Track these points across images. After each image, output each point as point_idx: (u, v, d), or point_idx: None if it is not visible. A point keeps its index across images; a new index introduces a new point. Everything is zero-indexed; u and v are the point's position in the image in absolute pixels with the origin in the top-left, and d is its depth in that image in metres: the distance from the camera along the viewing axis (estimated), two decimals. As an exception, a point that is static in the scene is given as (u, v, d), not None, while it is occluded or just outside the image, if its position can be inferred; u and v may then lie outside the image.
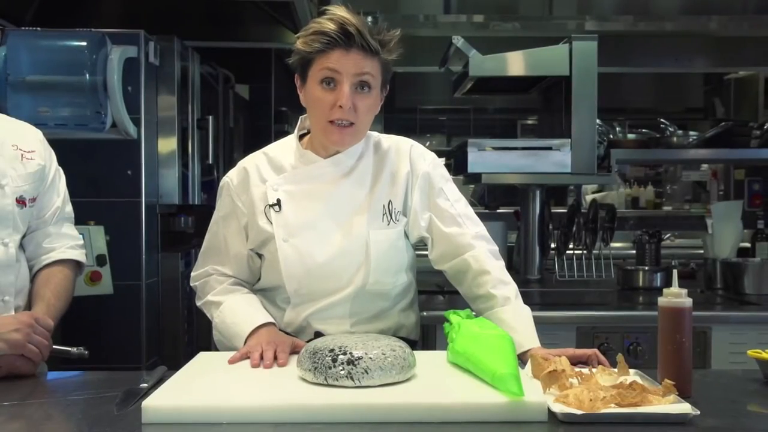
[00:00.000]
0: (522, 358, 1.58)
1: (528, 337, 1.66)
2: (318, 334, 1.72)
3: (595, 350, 1.61)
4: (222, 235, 1.83)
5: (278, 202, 1.74)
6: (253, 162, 1.82)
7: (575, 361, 1.54)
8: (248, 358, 1.57)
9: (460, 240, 1.79)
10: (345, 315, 1.77)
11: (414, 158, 1.81)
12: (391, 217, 1.77)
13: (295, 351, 1.60)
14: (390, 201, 1.77)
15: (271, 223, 1.74)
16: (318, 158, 1.77)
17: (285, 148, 1.82)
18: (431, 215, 1.80)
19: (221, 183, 1.85)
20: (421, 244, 1.89)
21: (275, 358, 1.55)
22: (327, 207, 1.74)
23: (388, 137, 1.86)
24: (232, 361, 1.57)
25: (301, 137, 1.82)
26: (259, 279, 1.85)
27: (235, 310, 1.77)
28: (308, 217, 1.74)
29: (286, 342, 1.63)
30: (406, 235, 1.82)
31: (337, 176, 1.76)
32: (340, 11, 1.62)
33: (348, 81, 1.62)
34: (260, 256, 1.82)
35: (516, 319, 1.70)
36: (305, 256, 1.73)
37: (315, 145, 1.77)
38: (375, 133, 1.84)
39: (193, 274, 1.89)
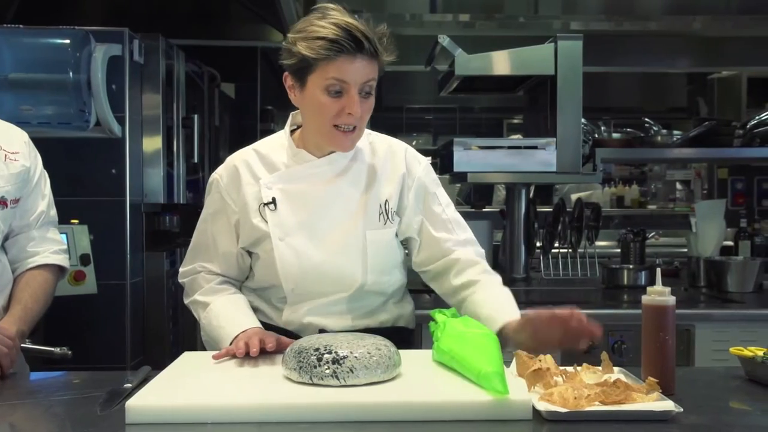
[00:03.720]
0: (502, 334, 1.59)
1: (506, 312, 1.67)
2: (322, 332, 1.71)
3: (573, 310, 1.55)
4: (210, 232, 1.81)
5: (273, 201, 1.73)
6: (243, 159, 1.79)
7: (558, 324, 1.53)
8: (234, 356, 1.56)
9: (449, 245, 1.80)
10: (344, 311, 1.77)
11: (409, 161, 1.82)
12: (388, 217, 1.76)
13: (279, 350, 1.59)
14: (386, 201, 1.77)
15: (266, 221, 1.73)
16: (312, 157, 1.76)
17: (276, 146, 1.80)
18: (423, 219, 1.81)
19: (210, 179, 1.83)
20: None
21: (270, 346, 1.55)
22: (323, 206, 1.74)
23: (380, 137, 1.85)
24: (217, 357, 1.57)
25: (291, 133, 1.81)
26: (248, 277, 1.84)
27: (220, 314, 1.75)
28: (304, 217, 1.73)
29: (270, 334, 1.62)
30: (397, 235, 1.83)
31: (332, 175, 1.75)
32: (342, 15, 1.60)
33: (356, 88, 1.61)
34: (251, 255, 1.81)
35: (494, 294, 1.73)
36: (302, 255, 1.72)
37: (308, 144, 1.76)
38: (366, 131, 1.82)
39: (181, 270, 1.87)
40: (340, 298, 1.75)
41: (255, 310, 1.83)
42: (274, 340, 1.57)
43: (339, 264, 1.73)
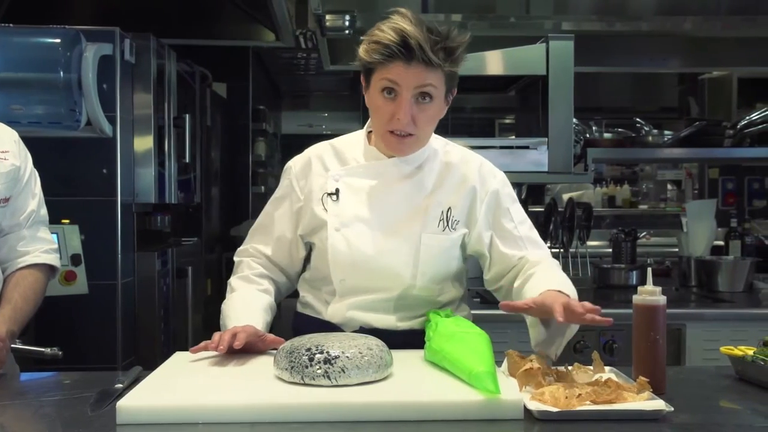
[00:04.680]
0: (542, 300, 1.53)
1: (556, 285, 1.60)
2: (362, 330, 1.71)
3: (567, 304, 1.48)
4: (272, 214, 1.84)
5: (336, 192, 1.75)
6: (318, 151, 1.82)
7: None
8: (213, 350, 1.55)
9: (515, 260, 1.77)
10: (390, 310, 1.76)
11: (484, 174, 1.79)
12: (447, 225, 1.75)
13: (265, 347, 1.60)
14: (450, 208, 1.75)
15: (327, 211, 1.75)
16: (383, 156, 1.76)
17: (352, 142, 1.82)
18: (492, 234, 1.78)
19: (285, 166, 1.86)
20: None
21: (237, 344, 1.54)
22: (384, 204, 1.74)
23: (458, 147, 1.85)
24: (194, 351, 1.57)
25: (369, 133, 1.82)
26: (306, 268, 1.85)
27: (233, 306, 1.76)
28: (364, 211, 1.73)
29: (248, 330, 1.59)
30: (464, 248, 1.80)
31: (399, 176, 1.75)
32: (403, 22, 1.60)
33: (408, 93, 1.61)
34: (311, 248, 1.82)
35: (539, 278, 1.66)
36: (354, 247, 1.72)
37: (380, 145, 1.76)
38: (444, 140, 1.83)
39: (239, 249, 1.90)
40: (387, 297, 1.74)
41: (305, 305, 1.85)
42: (244, 338, 1.55)
43: (389, 261, 1.72)
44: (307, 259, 1.86)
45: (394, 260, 1.72)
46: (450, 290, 1.81)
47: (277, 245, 1.83)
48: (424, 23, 1.60)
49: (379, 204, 1.74)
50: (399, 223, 1.73)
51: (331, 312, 1.77)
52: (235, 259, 1.89)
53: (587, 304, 1.48)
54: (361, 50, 1.64)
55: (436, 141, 1.81)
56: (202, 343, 1.58)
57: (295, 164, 1.84)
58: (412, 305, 1.76)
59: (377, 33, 1.62)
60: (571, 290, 1.63)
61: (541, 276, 1.69)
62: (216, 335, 1.57)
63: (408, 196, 1.75)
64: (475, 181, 1.78)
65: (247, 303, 1.76)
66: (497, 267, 1.79)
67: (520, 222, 1.80)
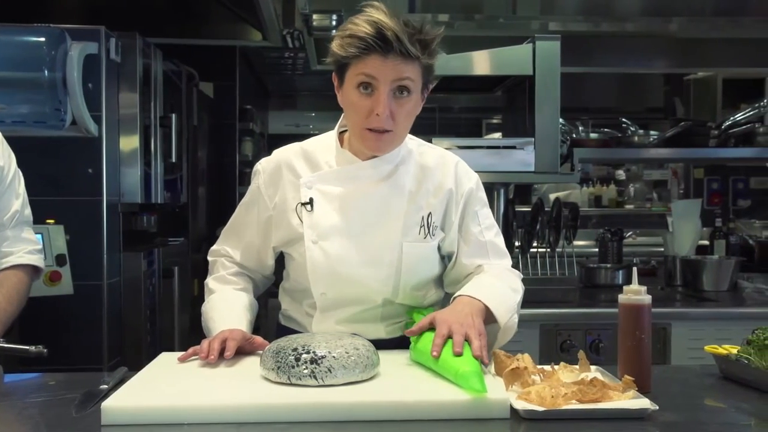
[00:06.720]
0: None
1: (473, 291, 1.62)
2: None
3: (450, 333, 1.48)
4: (241, 220, 1.80)
5: (311, 202, 1.68)
6: (288, 155, 1.75)
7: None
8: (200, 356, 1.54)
9: (475, 269, 1.74)
10: (377, 320, 1.72)
11: (460, 175, 1.75)
12: (428, 231, 1.69)
13: (252, 349, 1.59)
14: (430, 213, 1.70)
15: (302, 222, 1.68)
16: (356, 159, 1.69)
17: (323, 145, 1.75)
18: (458, 236, 1.74)
19: (254, 168, 1.79)
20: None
21: (228, 354, 1.53)
22: (361, 212, 1.67)
23: (433, 147, 1.80)
24: (182, 359, 1.55)
25: (341, 134, 1.76)
26: (285, 278, 1.82)
27: (215, 307, 1.74)
28: (341, 221, 1.66)
29: (236, 337, 1.57)
30: (440, 251, 1.76)
31: (375, 179, 1.68)
32: (377, 14, 1.55)
33: (385, 87, 1.55)
34: (285, 255, 1.78)
35: (480, 280, 1.68)
36: (334, 260, 1.66)
37: (354, 146, 1.70)
38: (419, 141, 1.78)
39: (211, 248, 1.87)
40: (371, 306, 1.70)
41: (288, 318, 1.82)
42: (234, 347, 1.54)
43: (370, 274, 1.66)
44: (283, 265, 1.82)
45: (376, 272, 1.67)
46: (433, 294, 1.78)
47: (246, 250, 1.80)
48: (399, 15, 1.56)
49: (355, 211, 1.67)
50: (379, 232, 1.67)
51: (317, 328, 1.72)
52: (209, 258, 1.86)
53: (457, 339, 1.44)
54: (335, 45, 1.58)
55: (411, 141, 1.75)
56: (191, 350, 1.57)
57: (264, 169, 1.76)
58: (399, 312, 1.73)
59: (351, 27, 1.56)
60: (491, 297, 1.61)
61: (470, 282, 1.69)
62: (205, 343, 1.55)
63: (385, 199, 1.68)
64: (451, 184, 1.73)
65: (228, 304, 1.74)
66: (457, 271, 1.76)
67: (486, 227, 1.76)
